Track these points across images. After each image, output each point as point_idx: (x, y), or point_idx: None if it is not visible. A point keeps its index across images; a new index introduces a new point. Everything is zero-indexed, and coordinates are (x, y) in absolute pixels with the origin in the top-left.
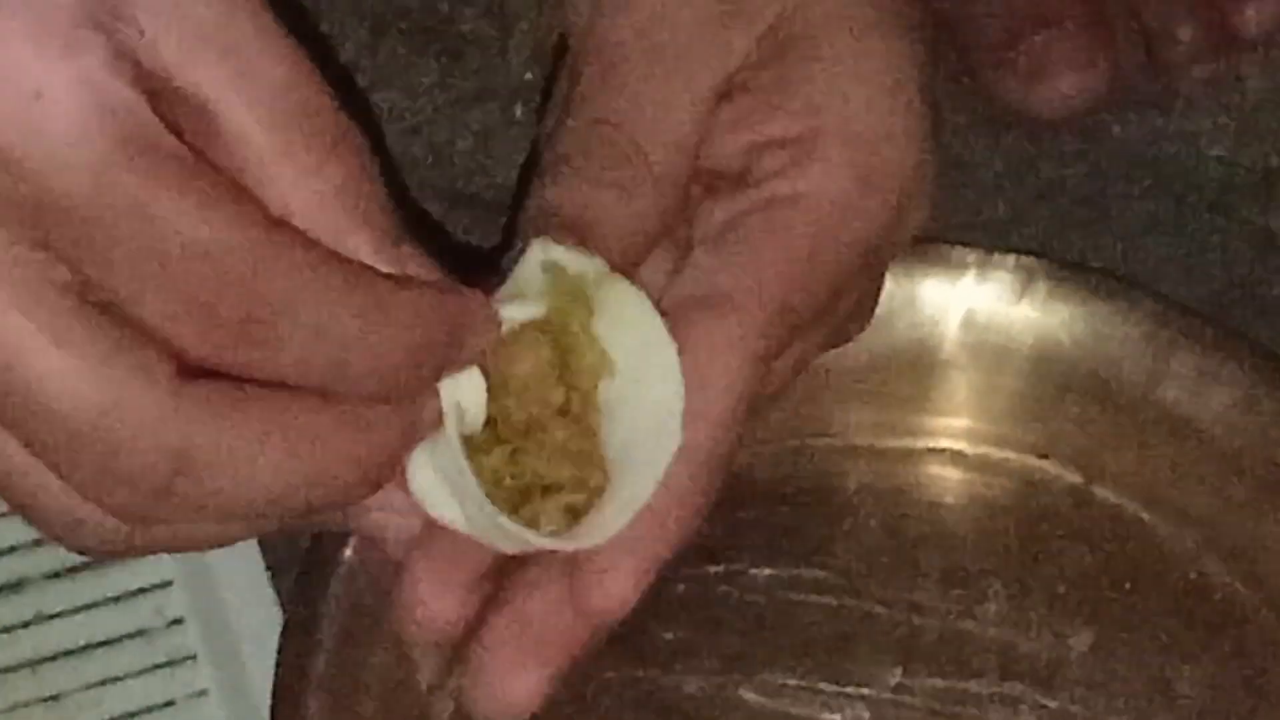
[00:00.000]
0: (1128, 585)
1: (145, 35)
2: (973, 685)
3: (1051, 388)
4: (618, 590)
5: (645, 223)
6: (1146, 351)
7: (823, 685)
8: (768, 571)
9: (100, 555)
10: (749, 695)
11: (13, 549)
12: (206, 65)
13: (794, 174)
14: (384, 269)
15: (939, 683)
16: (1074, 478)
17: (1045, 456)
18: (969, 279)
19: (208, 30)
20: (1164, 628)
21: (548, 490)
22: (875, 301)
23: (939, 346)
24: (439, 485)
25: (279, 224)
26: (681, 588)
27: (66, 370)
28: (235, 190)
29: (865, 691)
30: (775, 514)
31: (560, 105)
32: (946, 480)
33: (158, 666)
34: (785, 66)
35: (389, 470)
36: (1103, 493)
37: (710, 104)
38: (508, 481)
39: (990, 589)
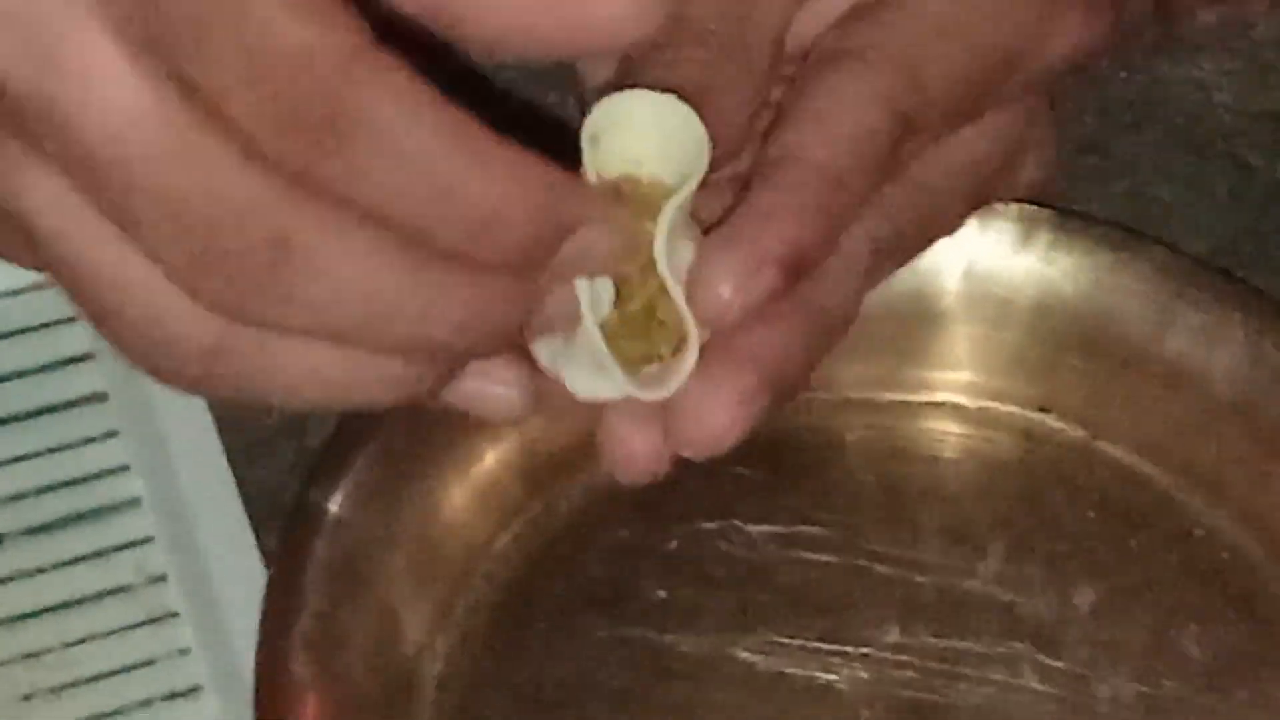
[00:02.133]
0: (1132, 542)
1: None
2: (973, 644)
3: (1054, 340)
4: (720, 288)
5: (740, 98)
6: (1151, 303)
7: (820, 644)
8: (763, 528)
9: (179, 379)
10: (744, 654)
11: None
12: None
13: None
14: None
15: (938, 642)
16: (1077, 432)
17: (1047, 411)
18: (969, 229)
19: None
20: (1169, 585)
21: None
22: (1050, 141)
23: (938, 298)
24: (572, 361)
25: (383, 47)
26: (675, 545)
27: (176, 147)
28: (345, 5)
29: (863, 650)
30: (771, 470)
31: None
32: (946, 435)
33: (139, 624)
34: None
35: (494, 339)
36: (1106, 448)
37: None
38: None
39: (990, 546)
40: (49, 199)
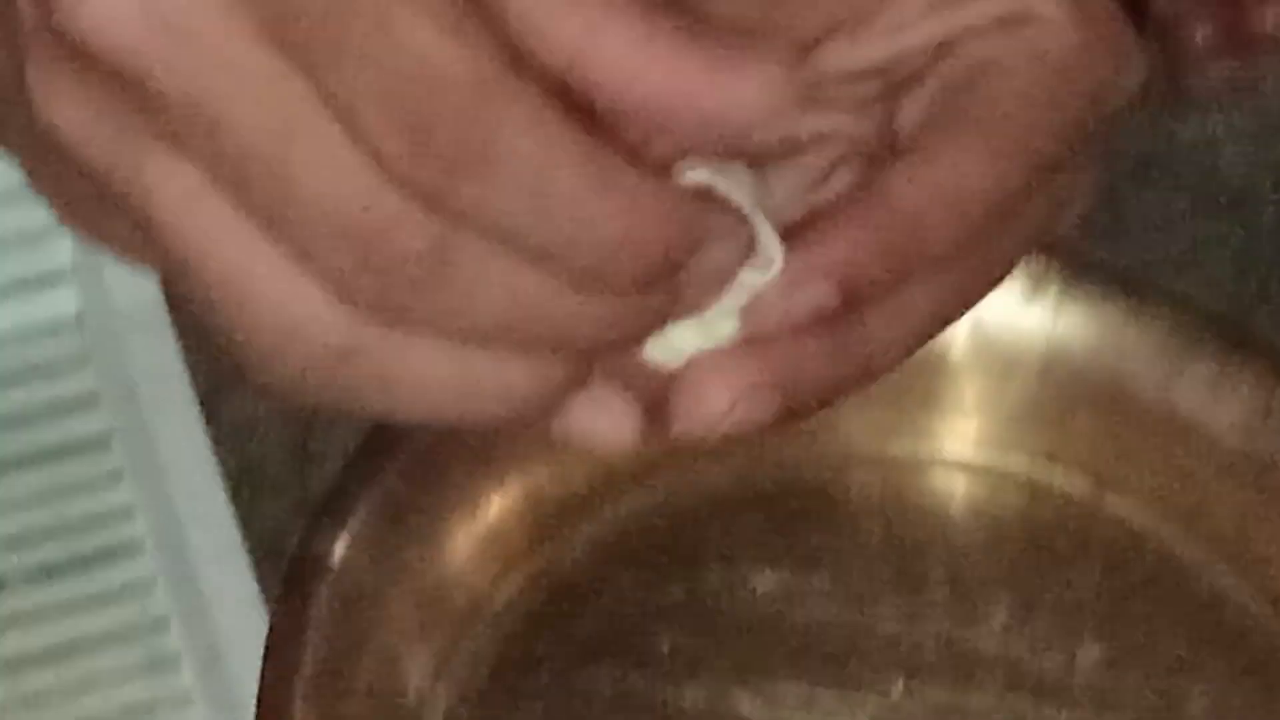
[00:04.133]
0: (1138, 598)
1: None
2: (977, 698)
3: (1062, 393)
4: (830, 256)
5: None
6: (1160, 356)
7: (824, 696)
8: (767, 579)
9: (298, 384)
10: (748, 705)
11: None
12: None
13: (1011, 42)
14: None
15: (943, 695)
16: (1084, 487)
17: (1054, 463)
18: None
19: None
20: (1175, 643)
21: None
22: (1092, 172)
23: (946, 350)
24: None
25: (520, 64)
26: (679, 595)
27: (331, 153)
28: (481, 16)
29: (867, 703)
30: (776, 521)
31: None
32: (952, 488)
33: (140, 669)
34: None
35: (625, 343)
36: (1113, 502)
37: None
38: None
39: (997, 600)
40: (180, 190)
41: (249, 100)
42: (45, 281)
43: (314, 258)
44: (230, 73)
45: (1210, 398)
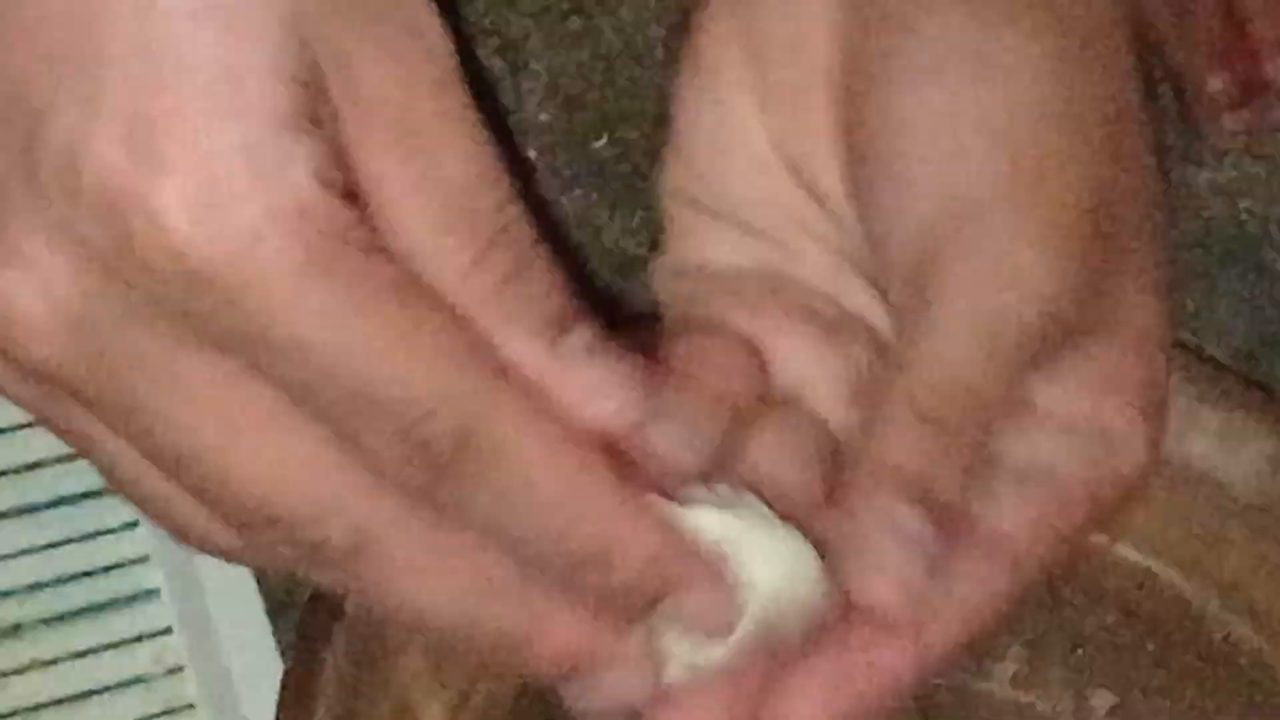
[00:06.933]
0: (1151, 646)
1: (344, 131)
2: None
3: None
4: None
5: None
6: (1172, 407)
7: None
8: None
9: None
10: None
11: (9, 593)
12: (389, 161)
13: (1106, 461)
14: (549, 364)
15: None
16: (1096, 536)
17: None
18: None
19: (395, 121)
20: (1188, 690)
21: None
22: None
23: None
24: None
25: (504, 373)
26: None
27: (293, 458)
28: (470, 339)
29: None
30: None
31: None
32: None
33: (155, 715)
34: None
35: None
36: (1126, 551)
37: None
38: None
39: (1008, 649)
40: (132, 458)
41: (192, 407)
42: None
43: (359, 441)
44: (170, 382)
45: (1221, 449)
